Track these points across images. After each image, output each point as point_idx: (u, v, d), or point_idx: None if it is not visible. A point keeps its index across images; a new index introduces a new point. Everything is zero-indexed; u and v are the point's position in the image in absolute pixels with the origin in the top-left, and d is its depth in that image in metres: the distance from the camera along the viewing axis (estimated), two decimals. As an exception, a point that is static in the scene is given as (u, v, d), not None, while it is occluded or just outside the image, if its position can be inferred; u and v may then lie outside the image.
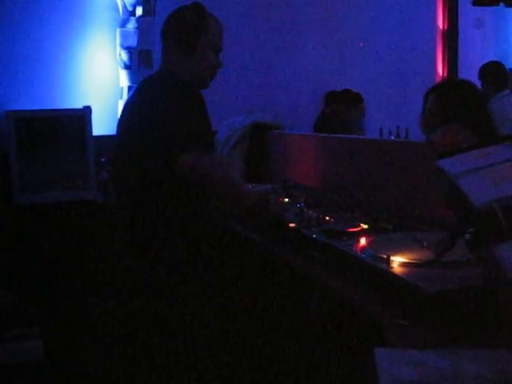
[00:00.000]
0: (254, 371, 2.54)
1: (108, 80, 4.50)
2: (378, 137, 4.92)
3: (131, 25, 4.42)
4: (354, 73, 5.61)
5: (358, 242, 1.87)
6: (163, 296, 2.18)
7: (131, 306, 2.26)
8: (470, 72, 5.49)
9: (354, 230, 2.07)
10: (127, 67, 4.43)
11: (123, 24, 4.44)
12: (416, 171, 2.28)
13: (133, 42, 4.41)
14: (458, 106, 2.57)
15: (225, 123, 4.00)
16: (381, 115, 5.56)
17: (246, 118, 3.95)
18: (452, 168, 1.15)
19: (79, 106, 3.97)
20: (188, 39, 2.29)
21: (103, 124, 4.09)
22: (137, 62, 4.41)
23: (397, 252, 1.67)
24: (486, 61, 5.55)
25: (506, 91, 5.12)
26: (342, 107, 5.34)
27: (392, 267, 1.60)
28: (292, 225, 2.27)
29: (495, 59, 5.68)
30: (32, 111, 3.82)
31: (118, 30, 4.44)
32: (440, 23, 6.25)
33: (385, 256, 1.64)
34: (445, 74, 6.19)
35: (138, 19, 4.42)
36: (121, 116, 2.41)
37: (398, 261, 1.62)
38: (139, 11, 4.43)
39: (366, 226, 2.11)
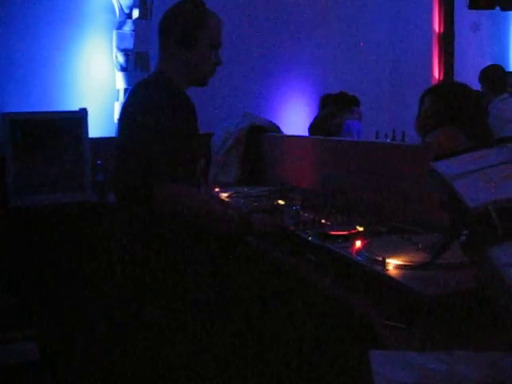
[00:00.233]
0: (250, 372, 2.53)
1: (104, 82, 4.50)
2: (375, 139, 4.93)
3: (128, 27, 4.42)
4: (351, 76, 5.61)
5: (354, 244, 1.87)
6: (161, 298, 2.18)
7: (128, 308, 2.26)
8: (465, 75, 5.51)
9: (349, 232, 2.07)
10: (123, 69, 4.43)
11: (120, 26, 4.44)
12: (412, 174, 2.28)
13: (129, 44, 4.41)
14: (453, 108, 2.57)
15: (221, 126, 4.00)
16: (377, 118, 5.57)
17: (241, 120, 3.95)
18: (447, 170, 1.15)
19: (75, 108, 3.97)
20: (186, 35, 2.27)
21: (99, 126, 4.09)
22: (133, 64, 4.41)
23: (392, 254, 1.67)
24: (481, 64, 5.56)
25: (505, 94, 5.14)
26: (338, 110, 5.34)
27: (387, 270, 1.60)
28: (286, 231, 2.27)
29: (491, 62, 5.70)
30: (28, 113, 3.81)
31: (115, 32, 4.44)
32: (436, 27, 6.27)
33: (380, 258, 1.64)
34: (441, 77, 6.21)
35: (135, 21, 4.42)
36: (118, 118, 2.42)
37: (393, 263, 1.62)
38: (136, 13, 4.43)
39: (361, 229, 2.11)
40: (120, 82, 4.44)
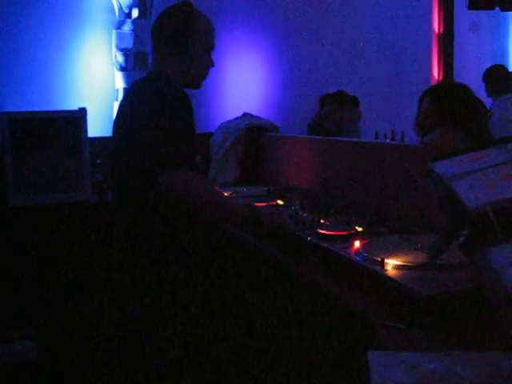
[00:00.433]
0: (249, 372, 2.53)
1: (103, 82, 4.50)
2: (374, 139, 4.93)
3: (127, 27, 4.43)
4: (350, 76, 5.62)
5: (353, 244, 1.87)
6: (160, 299, 2.18)
7: (127, 308, 2.26)
8: (465, 75, 5.52)
9: (348, 232, 2.07)
10: (123, 69, 4.43)
11: (119, 26, 4.44)
12: (411, 174, 2.28)
13: (128, 43, 4.41)
14: (452, 109, 2.57)
15: (220, 126, 4.00)
16: (376, 118, 5.58)
17: (241, 120, 3.95)
18: (445, 170, 1.15)
19: (74, 107, 3.97)
20: (178, 38, 2.28)
21: (98, 126, 4.09)
22: (132, 63, 4.41)
23: (391, 255, 1.67)
24: (481, 64, 5.58)
25: (509, 94, 5.15)
26: (337, 108, 5.34)
27: (386, 270, 1.60)
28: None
29: (490, 63, 5.71)
30: (27, 113, 3.81)
31: (114, 32, 4.44)
32: (436, 27, 6.27)
33: (379, 259, 1.64)
34: (440, 78, 6.21)
35: (134, 21, 4.43)
36: (115, 118, 2.41)
37: (392, 263, 1.62)
38: (135, 13, 4.43)
39: (360, 229, 2.11)
40: (119, 82, 4.44)
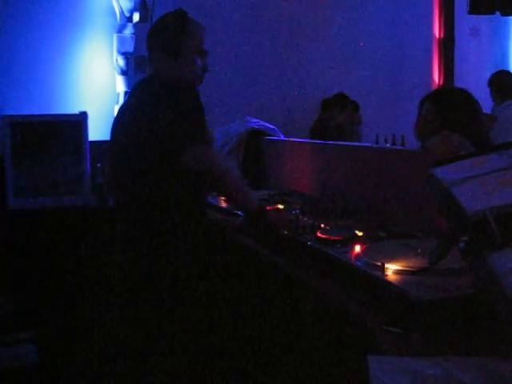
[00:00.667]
0: (247, 376, 2.53)
1: (104, 85, 4.50)
2: (374, 144, 4.93)
3: (128, 30, 4.43)
4: (351, 80, 5.62)
5: (353, 249, 1.87)
6: (160, 302, 2.18)
7: (127, 311, 2.26)
8: (465, 80, 5.52)
9: (348, 237, 2.07)
10: (124, 73, 4.44)
11: (120, 30, 4.45)
12: (411, 179, 2.28)
13: (129, 47, 4.42)
14: (452, 114, 2.57)
15: (220, 130, 4.00)
16: (377, 122, 5.58)
17: (241, 124, 3.95)
18: (446, 176, 1.15)
19: (75, 111, 3.97)
20: (172, 44, 2.34)
21: (99, 129, 4.09)
22: (133, 67, 4.42)
23: (391, 259, 1.67)
24: (482, 69, 5.60)
25: None
26: (337, 112, 5.35)
27: (386, 275, 1.60)
28: (286, 231, 2.27)
29: (491, 67, 5.72)
30: (28, 116, 3.82)
31: (115, 36, 4.45)
32: (436, 31, 6.28)
33: (379, 263, 1.64)
34: (441, 82, 6.22)
35: (135, 25, 4.43)
36: (115, 121, 2.41)
37: (392, 268, 1.62)
38: (136, 17, 4.44)
39: (360, 234, 2.11)
40: (120, 86, 4.44)
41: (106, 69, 4.50)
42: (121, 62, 4.43)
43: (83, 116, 3.81)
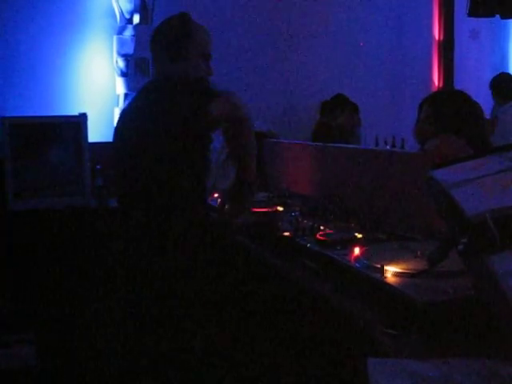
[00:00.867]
0: (246, 378, 2.53)
1: (104, 87, 4.50)
2: (374, 146, 4.94)
3: (128, 32, 4.44)
4: (351, 82, 5.63)
5: (352, 251, 1.87)
6: (161, 303, 2.18)
7: (128, 311, 2.26)
8: (465, 82, 5.53)
9: (348, 239, 2.07)
10: (124, 74, 4.44)
11: (120, 31, 4.45)
12: (411, 181, 2.28)
13: (129, 49, 4.42)
14: (452, 116, 2.57)
15: (219, 132, 3.99)
16: (377, 124, 5.58)
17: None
18: (445, 178, 1.15)
19: (75, 112, 3.97)
20: (175, 47, 2.34)
21: (99, 131, 4.09)
22: (133, 69, 4.42)
23: (391, 262, 1.67)
24: (481, 71, 5.62)
25: None
26: (337, 115, 5.35)
27: (386, 277, 1.60)
28: (286, 233, 2.28)
29: (491, 70, 5.74)
30: (28, 117, 3.82)
31: (115, 38, 4.45)
32: (436, 34, 6.29)
33: (379, 266, 1.64)
34: (441, 84, 6.22)
35: (135, 27, 4.43)
36: (125, 123, 2.39)
37: (391, 271, 1.62)
38: (136, 19, 4.44)
39: (360, 236, 2.11)
40: (120, 87, 4.45)
41: (105, 70, 4.51)
42: (121, 63, 4.43)
43: (83, 117, 3.81)
